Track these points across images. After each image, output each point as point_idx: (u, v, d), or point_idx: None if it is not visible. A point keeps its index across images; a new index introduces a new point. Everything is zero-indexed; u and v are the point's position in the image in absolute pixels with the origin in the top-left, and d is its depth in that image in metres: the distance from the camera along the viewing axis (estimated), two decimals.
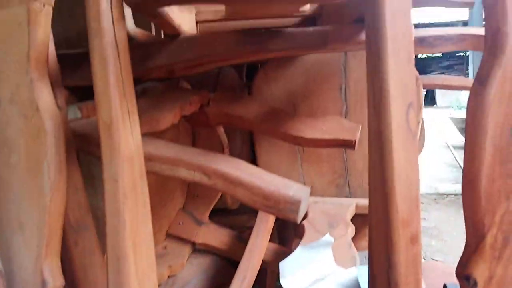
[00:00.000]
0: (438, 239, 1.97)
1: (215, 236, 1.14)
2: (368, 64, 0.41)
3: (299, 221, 0.60)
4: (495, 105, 0.42)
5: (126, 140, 0.52)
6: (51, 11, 0.58)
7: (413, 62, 0.39)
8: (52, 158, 0.59)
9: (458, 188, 2.51)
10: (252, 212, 1.38)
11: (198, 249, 1.19)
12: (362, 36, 0.68)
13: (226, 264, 1.11)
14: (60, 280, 0.59)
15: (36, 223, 0.60)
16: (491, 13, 0.42)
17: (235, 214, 1.37)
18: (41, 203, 0.60)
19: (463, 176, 0.46)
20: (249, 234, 1.07)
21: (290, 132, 0.94)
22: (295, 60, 1.13)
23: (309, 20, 0.87)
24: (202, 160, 0.67)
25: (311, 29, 0.69)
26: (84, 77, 0.88)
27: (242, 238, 1.11)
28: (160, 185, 1.17)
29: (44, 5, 0.57)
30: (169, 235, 1.24)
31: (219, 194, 1.19)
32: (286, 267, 0.74)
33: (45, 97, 0.59)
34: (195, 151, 0.72)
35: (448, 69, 8.88)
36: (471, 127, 0.44)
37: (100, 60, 0.48)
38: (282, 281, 0.71)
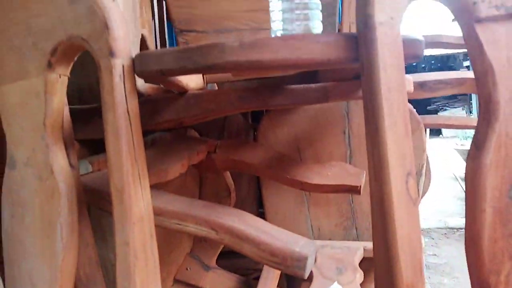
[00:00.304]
0: (450, 277, 1.93)
1: (223, 281, 1.13)
2: (367, 135, 0.43)
3: (306, 277, 0.61)
4: (492, 169, 0.44)
5: (137, 204, 0.54)
6: (67, 81, 0.62)
7: (409, 133, 0.42)
8: (65, 219, 0.61)
9: None
10: None
11: None
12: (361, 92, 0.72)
13: None
14: None
15: (48, 281, 0.61)
16: (482, 83, 0.45)
17: (241, 257, 1.36)
18: (53, 262, 0.61)
19: (465, 237, 0.47)
20: (256, 279, 1.07)
21: (296, 178, 0.95)
22: (299, 106, 1.16)
23: (311, 72, 0.90)
24: (209, 214, 0.69)
25: (312, 86, 0.72)
26: (95, 130, 0.91)
27: (249, 283, 1.11)
28: (167, 230, 1.18)
29: (60, 76, 0.61)
30: (176, 281, 1.23)
31: None
32: None
33: (60, 160, 0.62)
34: (202, 204, 0.74)
35: (452, 99, 8.95)
36: (470, 189, 0.45)
37: (113, 132, 0.51)
38: None
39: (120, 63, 0.53)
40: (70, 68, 0.65)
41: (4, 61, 0.66)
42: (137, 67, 0.55)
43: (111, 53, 0.53)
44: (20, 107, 0.64)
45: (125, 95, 0.52)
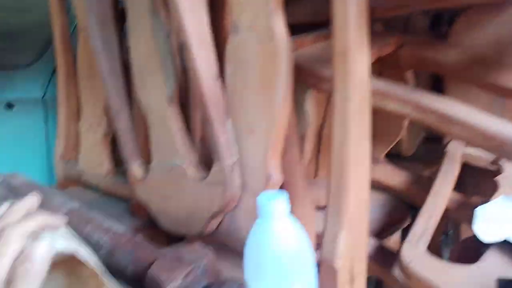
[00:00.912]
0: None
1: (392, 175, 1.13)
2: None
3: None
4: None
5: (358, 67, 0.57)
6: None
7: None
8: (283, 78, 0.68)
9: None
10: (429, 161, 1.33)
11: (372, 185, 1.21)
12: None
13: (401, 204, 1.10)
14: (280, 176, 0.73)
15: (264, 130, 0.72)
16: None
17: (409, 161, 1.34)
18: (270, 114, 0.71)
19: None
20: (428, 179, 1.04)
21: (500, 83, 0.86)
22: (505, 6, 0.99)
23: None
24: (411, 95, 0.69)
25: None
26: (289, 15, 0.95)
27: (420, 182, 1.08)
28: None
29: None
30: None
31: (399, 137, 1.19)
32: (483, 214, 0.72)
33: (280, 26, 0.68)
34: (403, 86, 0.73)
35: None
36: None
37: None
38: (476, 227, 0.71)
39: None
40: None
41: None
42: None
43: None
44: None
45: None
